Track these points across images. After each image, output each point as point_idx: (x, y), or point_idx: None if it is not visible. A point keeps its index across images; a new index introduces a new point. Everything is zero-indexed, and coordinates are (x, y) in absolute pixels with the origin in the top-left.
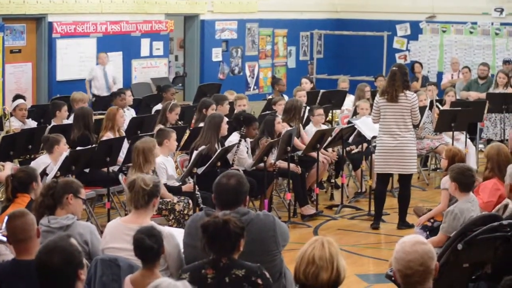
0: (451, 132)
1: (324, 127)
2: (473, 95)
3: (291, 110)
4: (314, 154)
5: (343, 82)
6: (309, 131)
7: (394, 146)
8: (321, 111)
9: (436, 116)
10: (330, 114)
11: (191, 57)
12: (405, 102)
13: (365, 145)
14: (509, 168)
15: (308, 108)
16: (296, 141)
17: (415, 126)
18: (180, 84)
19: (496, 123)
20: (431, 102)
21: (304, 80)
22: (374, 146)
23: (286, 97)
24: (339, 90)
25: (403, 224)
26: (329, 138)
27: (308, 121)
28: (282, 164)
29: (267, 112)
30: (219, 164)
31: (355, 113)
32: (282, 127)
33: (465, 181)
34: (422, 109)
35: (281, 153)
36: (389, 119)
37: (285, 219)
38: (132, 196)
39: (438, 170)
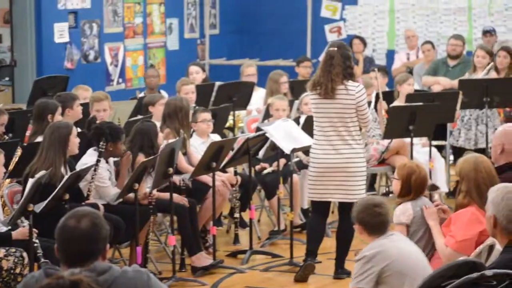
0: (408, 139)
1: (216, 138)
2: (442, 83)
3: (174, 113)
4: (208, 177)
5: (249, 69)
6: (195, 145)
7: (335, 164)
8: (207, 115)
9: (384, 115)
10: (230, 117)
11: (21, 36)
12: (346, 97)
13: (282, 161)
14: (492, 192)
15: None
16: (182, 159)
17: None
18: (6, 78)
19: (471, 124)
20: (377, 96)
21: (192, 69)
22: (297, 163)
23: (165, 94)
24: (243, 81)
25: (343, 272)
26: (230, 154)
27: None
28: (162, 194)
29: (139, 117)
30: (67, 196)
31: (267, 115)
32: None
33: (371, 222)
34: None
35: (159, 178)
36: (324, 123)
37: (168, 274)
38: None
39: (390, 196)
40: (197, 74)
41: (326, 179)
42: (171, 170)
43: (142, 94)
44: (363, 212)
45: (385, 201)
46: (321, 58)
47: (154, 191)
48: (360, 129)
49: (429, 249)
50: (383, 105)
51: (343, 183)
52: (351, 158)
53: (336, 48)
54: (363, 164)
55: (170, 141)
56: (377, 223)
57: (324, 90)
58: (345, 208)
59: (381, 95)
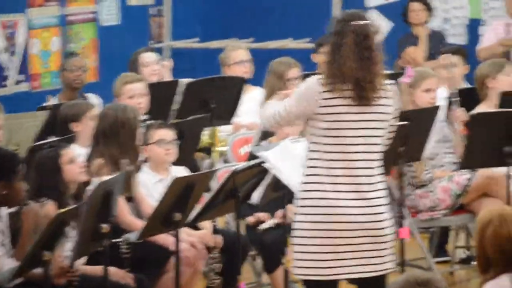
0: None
1: (181, 171)
2: None
3: (111, 132)
4: (168, 238)
5: (236, 55)
6: (146, 185)
7: (360, 217)
8: (167, 133)
9: (461, 129)
10: (206, 136)
11: None
12: (387, 103)
13: (291, 209)
14: None
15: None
16: (124, 209)
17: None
18: None
19: None
20: (450, 97)
21: (145, 58)
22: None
23: (96, 100)
24: (226, 77)
25: None
26: (205, 197)
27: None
28: (91, 268)
29: (52, 139)
30: None
31: (266, 133)
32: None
33: None
34: (426, 114)
35: (85, 241)
36: (350, 147)
37: None
38: None
39: (472, 263)
40: (153, 66)
41: (347, 247)
42: (106, 227)
43: (56, 100)
44: None
45: (437, 278)
46: (345, 38)
47: (78, 263)
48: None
49: None
50: (459, 113)
51: (369, 249)
52: (379, 206)
53: (367, 22)
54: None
55: (105, 178)
56: None
57: (360, 91)
58: (373, 284)
59: (453, 97)
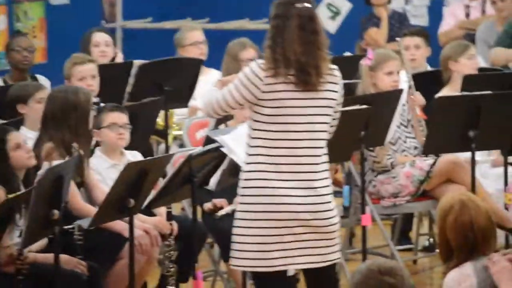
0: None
1: (135, 156)
2: None
3: (62, 115)
4: (121, 225)
5: (191, 36)
6: (98, 170)
7: (304, 207)
8: (119, 116)
9: (420, 115)
10: (161, 120)
11: None
12: (333, 89)
13: None
14: None
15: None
16: (76, 195)
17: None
18: None
19: None
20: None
21: (98, 38)
22: None
23: (45, 82)
24: (181, 58)
25: None
26: (159, 183)
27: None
28: (41, 255)
29: None
30: None
31: (225, 117)
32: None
33: None
34: (389, 97)
35: (35, 227)
36: (292, 134)
37: None
38: None
39: (436, 252)
40: (106, 47)
41: (291, 237)
42: (56, 213)
43: (1, 82)
44: (364, 284)
45: (400, 267)
46: (288, 21)
47: (27, 251)
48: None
49: None
50: (416, 97)
51: (314, 238)
52: (328, 196)
53: (310, 5)
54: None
55: (55, 162)
56: None
57: (304, 77)
58: (322, 274)
59: (411, 80)
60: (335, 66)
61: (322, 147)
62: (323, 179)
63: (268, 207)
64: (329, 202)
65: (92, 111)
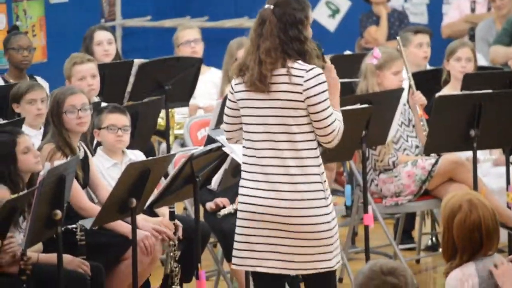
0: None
1: (137, 156)
2: None
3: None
4: (124, 225)
5: (188, 34)
6: (100, 169)
7: (271, 210)
8: (118, 117)
9: (421, 114)
10: (161, 119)
11: None
12: (289, 89)
13: None
14: None
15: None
16: (79, 194)
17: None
18: None
19: None
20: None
21: (100, 36)
22: None
23: (44, 83)
24: (181, 57)
25: None
26: (161, 183)
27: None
28: (44, 256)
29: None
30: None
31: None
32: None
33: None
34: (390, 96)
35: (38, 228)
36: (255, 135)
37: None
38: None
39: (439, 251)
40: (108, 46)
41: (259, 238)
42: (58, 213)
43: (1, 81)
44: (367, 285)
45: (403, 267)
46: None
47: (31, 252)
48: (320, 145)
49: None
50: (417, 96)
51: (290, 244)
52: (299, 202)
53: (272, 7)
54: (326, 211)
55: (57, 162)
56: None
57: (250, 77)
58: (310, 285)
59: (411, 79)
60: (299, 66)
61: (290, 150)
62: (298, 183)
63: (242, 207)
64: (306, 208)
65: (91, 111)
